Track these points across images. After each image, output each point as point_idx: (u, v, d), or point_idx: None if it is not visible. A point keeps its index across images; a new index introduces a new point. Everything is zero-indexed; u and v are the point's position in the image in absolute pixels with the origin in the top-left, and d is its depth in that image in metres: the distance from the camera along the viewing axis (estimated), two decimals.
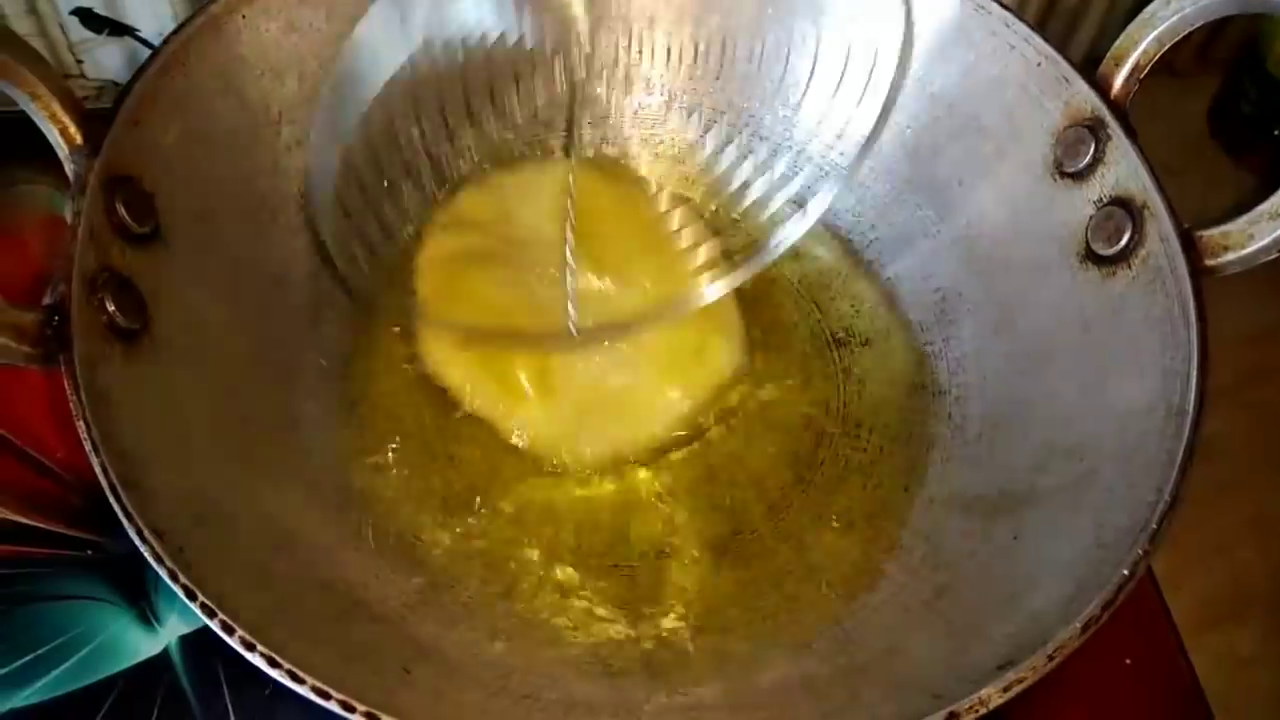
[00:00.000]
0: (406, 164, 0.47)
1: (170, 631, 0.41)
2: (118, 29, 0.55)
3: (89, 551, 0.43)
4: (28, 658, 0.40)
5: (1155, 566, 0.46)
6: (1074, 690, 0.43)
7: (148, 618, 0.42)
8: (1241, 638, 0.48)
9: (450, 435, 0.43)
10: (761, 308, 0.48)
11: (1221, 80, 0.69)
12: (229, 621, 0.28)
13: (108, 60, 0.56)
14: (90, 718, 0.40)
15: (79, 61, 0.56)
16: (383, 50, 0.43)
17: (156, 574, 0.41)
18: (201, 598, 0.29)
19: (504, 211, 0.47)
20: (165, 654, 0.41)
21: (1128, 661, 0.44)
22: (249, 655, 0.28)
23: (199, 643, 0.41)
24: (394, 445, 0.43)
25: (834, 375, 0.46)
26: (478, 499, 0.42)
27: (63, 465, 0.45)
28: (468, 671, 0.35)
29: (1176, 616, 0.46)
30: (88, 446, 0.31)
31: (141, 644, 0.41)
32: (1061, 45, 0.50)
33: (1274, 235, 0.36)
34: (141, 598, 0.42)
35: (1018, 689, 0.30)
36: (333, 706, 0.28)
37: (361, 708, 0.28)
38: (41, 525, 0.43)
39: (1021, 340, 0.43)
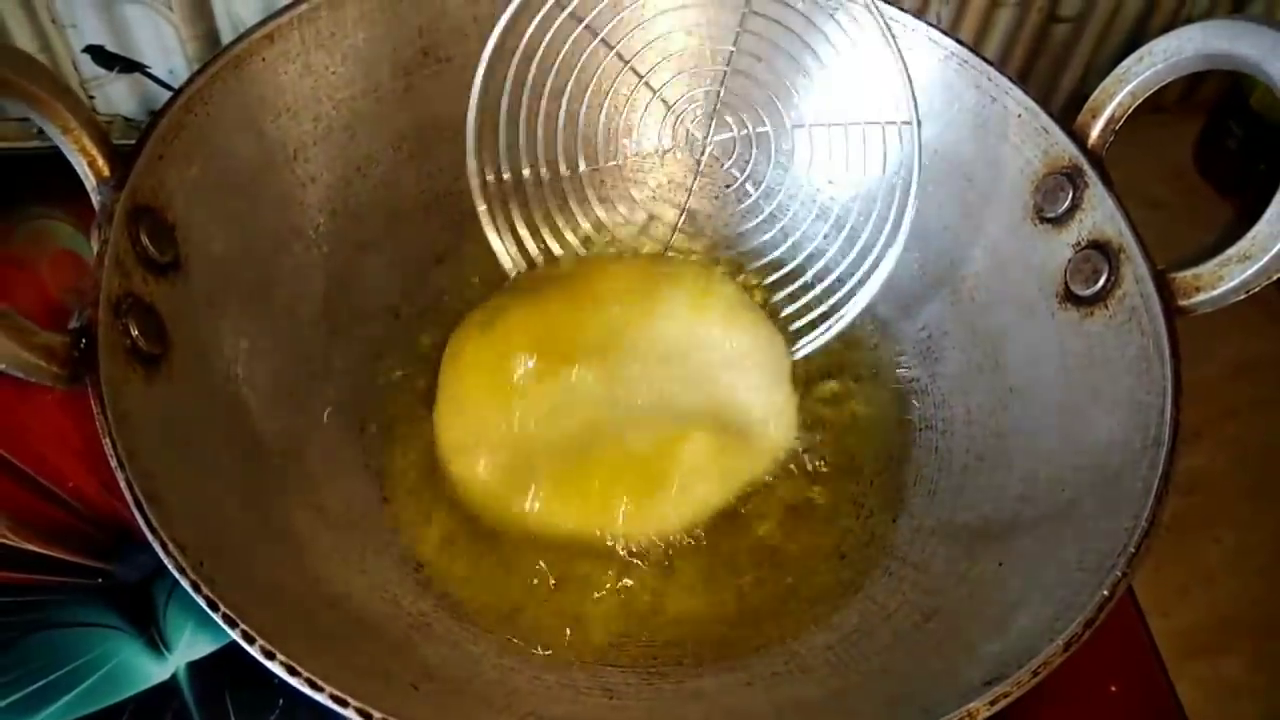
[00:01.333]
0: None
1: (179, 658, 0.42)
2: (128, 65, 0.56)
3: (99, 579, 0.43)
4: (39, 684, 0.41)
5: (1141, 596, 0.47)
6: (1061, 717, 0.44)
7: (156, 644, 0.42)
8: (1226, 666, 0.49)
9: None
10: None
11: (1207, 117, 0.70)
12: (250, 632, 0.29)
13: (118, 95, 0.57)
14: None
15: (90, 97, 0.57)
16: None
17: (165, 601, 0.43)
18: (224, 609, 0.30)
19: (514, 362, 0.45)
20: (174, 680, 0.42)
21: (1113, 688, 0.45)
22: (269, 664, 0.29)
23: (207, 669, 0.42)
24: (401, 471, 0.44)
25: (829, 410, 0.48)
26: (480, 527, 0.43)
27: (74, 494, 0.45)
28: (473, 690, 0.36)
29: (1161, 645, 0.47)
30: (113, 463, 0.31)
31: (150, 670, 0.42)
32: (1049, 84, 0.51)
33: (1242, 277, 0.38)
34: (150, 624, 0.43)
35: (1004, 703, 0.31)
36: (350, 714, 0.29)
37: (378, 715, 0.29)
38: (53, 553, 0.44)
39: (1004, 377, 0.45)
